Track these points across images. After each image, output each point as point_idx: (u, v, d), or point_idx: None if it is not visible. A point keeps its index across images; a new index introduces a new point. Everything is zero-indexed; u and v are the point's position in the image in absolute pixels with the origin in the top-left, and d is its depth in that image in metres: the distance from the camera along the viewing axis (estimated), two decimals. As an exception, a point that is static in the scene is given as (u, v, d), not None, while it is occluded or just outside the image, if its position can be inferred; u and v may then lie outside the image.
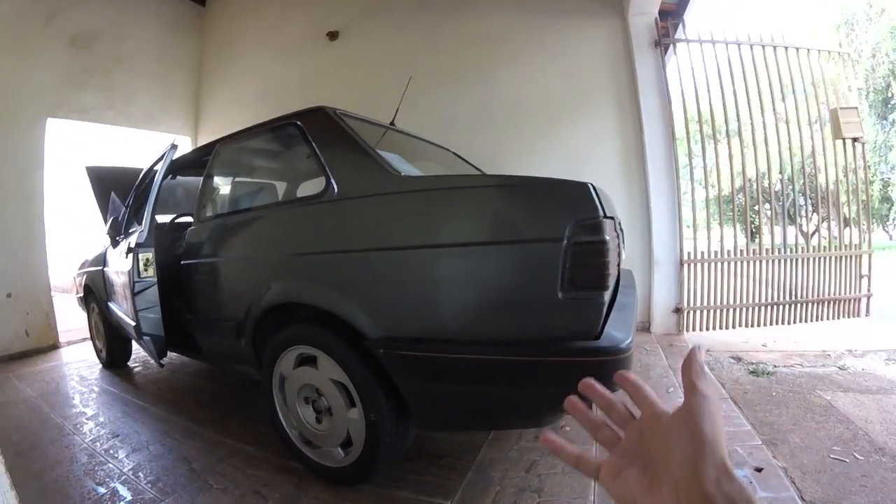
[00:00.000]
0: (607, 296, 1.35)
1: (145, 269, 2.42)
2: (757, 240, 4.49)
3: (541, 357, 1.33)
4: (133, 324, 2.45)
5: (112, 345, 3.52)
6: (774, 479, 1.82)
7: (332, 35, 5.06)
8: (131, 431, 2.35)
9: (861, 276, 4.47)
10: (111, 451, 2.12)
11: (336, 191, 1.74)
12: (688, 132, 4.28)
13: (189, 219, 2.57)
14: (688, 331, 4.24)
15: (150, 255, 2.42)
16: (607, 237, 1.29)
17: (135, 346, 3.41)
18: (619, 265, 1.73)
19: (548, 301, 1.30)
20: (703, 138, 4.32)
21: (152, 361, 2.66)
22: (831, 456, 2.08)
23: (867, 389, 2.89)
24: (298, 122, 2.00)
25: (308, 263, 1.79)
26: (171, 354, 3.07)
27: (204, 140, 5.50)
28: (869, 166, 4.63)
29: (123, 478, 1.88)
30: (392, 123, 2.59)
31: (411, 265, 1.51)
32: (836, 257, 4.43)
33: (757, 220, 4.90)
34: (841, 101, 4.51)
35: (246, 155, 2.56)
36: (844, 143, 4.44)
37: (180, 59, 6.00)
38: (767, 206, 4.55)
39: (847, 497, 1.76)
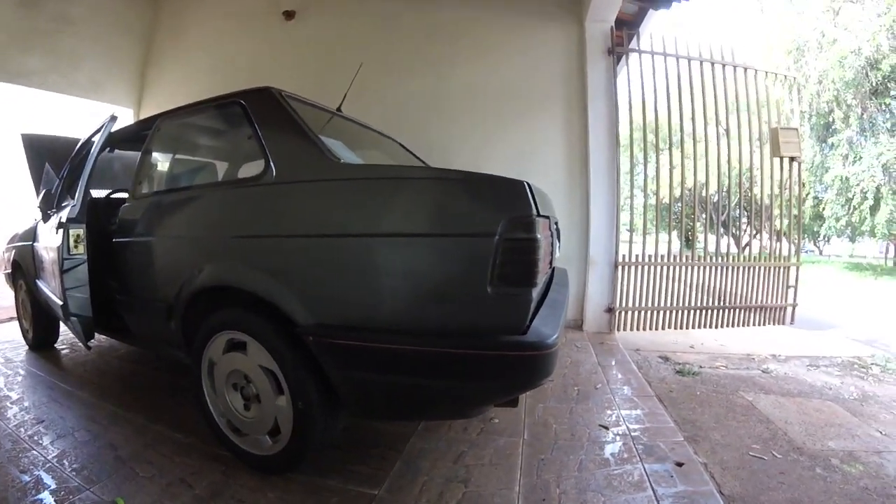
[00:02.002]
0: (536, 292, 1.38)
1: (75, 246, 2.30)
2: (692, 247, 4.70)
3: (468, 350, 1.34)
4: (60, 303, 2.34)
5: (39, 325, 3.34)
6: (695, 474, 1.89)
7: (289, 14, 4.92)
8: (56, 417, 2.24)
9: (788, 287, 4.77)
10: (35, 438, 2.03)
11: (274, 174, 1.70)
12: (631, 140, 4.43)
13: (125, 195, 2.46)
14: (619, 330, 4.40)
15: (81, 232, 2.31)
16: (539, 235, 1.32)
17: (63, 326, 3.25)
18: (551, 263, 1.78)
19: (477, 295, 1.32)
20: (647, 147, 4.49)
21: (80, 344, 2.55)
22: (751, 453, 2.20)
23: (788, 392, 3.08)
24: (242, 102, 1.94)
25: (242, 247, 1.74)
26: (101, 337, 2.96)
27: (147, 114, 5.26)
28: (804, 185, 4.94)
29: (48, 465, 1.80)
30: (339, 110, 2.55)
31: (344, 253, 1.50)
32: (765, 267, 4.70)
33: (693, 228, 5.13)
34: (782, 122, 4.77)
35: (187, 132, 2.46)
36: (782, 161, 4.70)
37: (130, 26, 5.70)
38: (704, 215, 4.76)
39: (764, 493, 1.87)
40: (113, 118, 2.47)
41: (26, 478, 1.72)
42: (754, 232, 5.15)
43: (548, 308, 1.65)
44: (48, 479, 1.70)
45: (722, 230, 4.77)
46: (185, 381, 2.67)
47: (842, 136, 14.03)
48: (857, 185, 13.63)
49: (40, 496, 1.61)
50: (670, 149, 4.48)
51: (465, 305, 1.36)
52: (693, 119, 4.50)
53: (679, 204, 4.76)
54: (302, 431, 1.63)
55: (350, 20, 4.78)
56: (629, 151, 4.43)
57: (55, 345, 3.47)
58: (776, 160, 4.73)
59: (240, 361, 1.75)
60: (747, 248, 5.28)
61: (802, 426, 2.52)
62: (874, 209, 13.59)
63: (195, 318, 1.90)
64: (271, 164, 1.73)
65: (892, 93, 13.37)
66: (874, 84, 12.78)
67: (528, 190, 1.35)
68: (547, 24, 4.45)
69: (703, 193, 4.68)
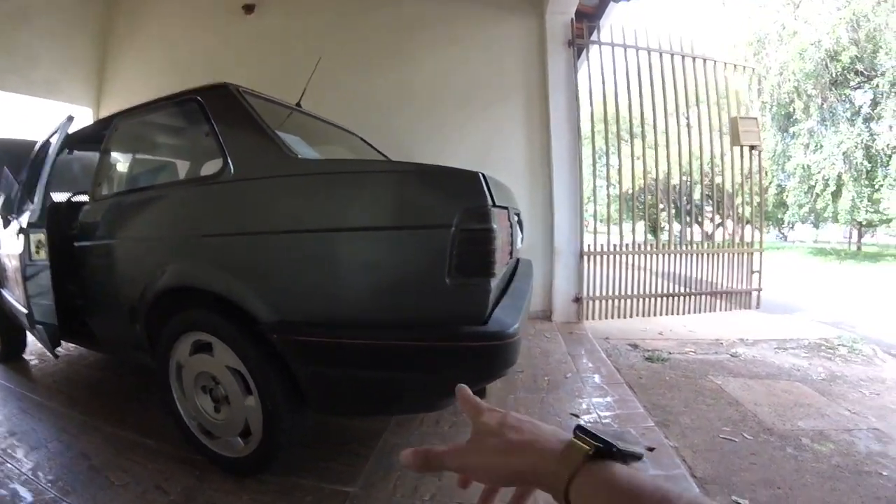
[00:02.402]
0: (494, 282, 1.40)
1: (37, 252, 2.23)
2: (657, 235, 4.80)
3: (428, 342, 1.36)
4: (25, 311, 2.26)
5: (6, 335, 3.22)
6: (666, 458, 1.94)
7: (248, 8, 4.84)
8: (28, 429, 2.18)
9: (752, 272, 4.92)
10: (9, 451, 1.97)
11: (232, 171, 1.69)
12: (593, 132, 4.51)
13: (86, 197, 2.40)
14: (587, 319, 4.48)
15: (43, 237, 2.24)
16: (494, 225, 1.34)
17: (30, 336, 3.15)
18: (511, 254, 1.79)
19: (436, 286, 1.34)
20: (608, 137, 4.57)
21: (48, 353, 2.49)
22: (721, 436, 2.25)
23: (757, 375, 3.16)
24: (199, 99, 1.91)
25: (203, 246, 1.73)
26: (69, 346, 2.88)
27: (107, 113, 5.16)
28: (766, 173, 5.10)
29: (23, 478, 1.76)
30: (299, 105, 2.53)
31: (303, 249, 1.50)
32: (729, 254, 4.85)
33: (658, 217, 5.24)
34: (742, 112, 4.89)
35: (145, 130, 2.42)
36: (742, 150, 4.83)
37: (86, 23, 5.52)
38: (669, 204, 4.87)
39: (736, 474, 1.92)
40: (69, 119, 2.41)
41: (2, 491, 1.69)
42: (719, 220, 5.29)
43: (510, 298, 1.67)
44: (24, 493, 1.67)
45: (687, 219, 4.86)
46: (153, 386, 2.63)
47: (803, 126, 14.46)
48: (819, 172, 14.07)
49: None
50: (632, 140, 4.56)
51: (424, 297, 1.38)
52: (655, 110, 4.60)
53: (644, 194, 4.85)
54: (272, 431, 1.62)
55: (310, 14, 4.73)
56: (591, 142, 4.48)
57: (23, 355, 3.37)
58: (737, 149, 4.86)
59: (207, 363, 1.73)
60: (712, 235, 5.41)
61: (772, 407, 2.59)
62: (836, 195, 14.05)
63: (160, 320, 1.87)
64: (229, 161, 1.71)
65: (852, 83, 13.83)
66: (834, 75, 13.18)
67: (482, 181, 1.37)
68: (508, 16, 4.48)
69: (668, 183, 4.78)
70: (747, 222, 5.05)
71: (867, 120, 13.64)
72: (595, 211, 4.24)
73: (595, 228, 4.58)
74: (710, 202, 4.93)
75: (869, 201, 13.85)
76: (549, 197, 4.37)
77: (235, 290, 1.59)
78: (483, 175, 1.38)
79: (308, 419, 1.75)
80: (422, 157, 4.14)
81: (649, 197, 5.07)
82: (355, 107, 4.24)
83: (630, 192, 5.28)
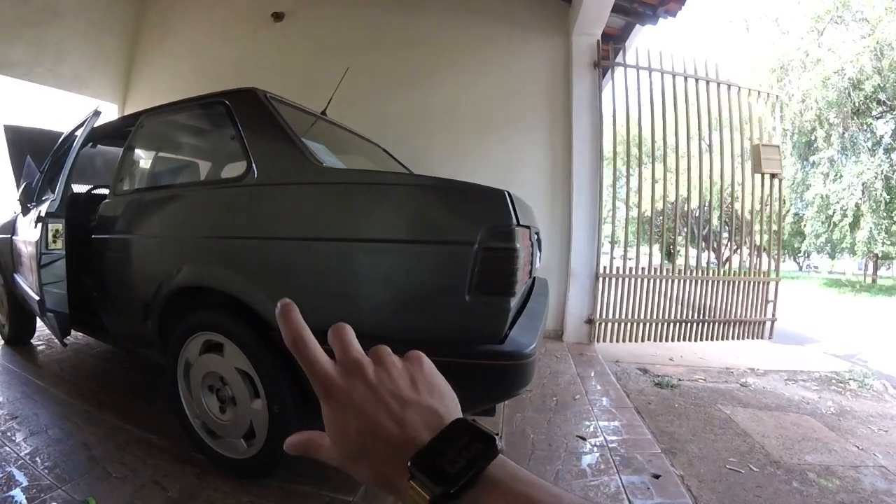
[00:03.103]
0: (514, 302, 1.39)
1: (54, 241, 2.26)
2: (673, 260, 4.75)
3: (444, 358, 1.32)
4: (37, 298, 2.29)
5: (16, 319, 3.27)
6: (672, 486, 1.90)
7: (278, 16, 4.92)
8: (30, 413, 2.20)
9: (767, 302, 4.83)
10: (9, 434, 1.99)
11: (256, 176, 1.70)
12: (615, 154, 4.49)
13: (106, 191, 2.43)
14: (599, 341, 4.42)
15: (60, 227, 2.27)
16: (517, 245, 1.33)
17: (39, 322, 3.19)
18: (531, 273, 1.78)
19: (456, 303, 1.33)
20: (629, 160, 4.54)
21: (56, 340, 2.51)
22: (728, 466, 2.21)
23: (766, 406, 3.11)
24: (227, 102, 1.94)
25: (221, 248, 1.74)
26: (77, 334, 2.90)
27: (132, 110, 5.25)
28: (785, 201, 5.03)
29: (20, 462, 1.77)
30: (324, 113, 2.55)
31: (322, 257, 1.50)
32: (745, 282, 4.77)
33: (675, 241, 5.19)
34: (764, 139, 4.85)
35: (170, 130, 2.45)
36: (763, 178, 4.78)
37: (117, 23, 5.66)
38: (686, 228, 4.82)
39: None
40: (96, 113, 2.44)
41: None
42: (735, 247, 5.23)
43: (527, 317, 1.66)
44: (20, 476, 1.68)
45: (703, 244, 4.81)
46: (160, 383, 2.64)
47: (823, 155, 14.33)
48: (838, 202, 13.91)
49: (11, 493, 1.58)
50: (653, 162, 4.53)
51: (442, 313, 1.37)
52: (676, 134, 4.58)
53: (661, 217, 4.81)
54: (276, 435, 1.60)
55: (338, 25, 4.79)
56: (612, 164, 4.47)
57: (31, 340, 3.41)
58: (757, 176, 4.81)
59: (216, 363, 1.73)
60: (728, 262, 5.35)
61: (780, 440, 2.54)
62: (854, 226, 13.86)
63: (172, 318, 1.87)
64: (253, 165, 1.72)
65: (874, 113, 13.69)
66: (856, 104, 13.07)
67: (508, 199, 1.36)
68: (533, 36, 4.52)
69: (685, 207, 4.75)
70: (764, 250, 4.99)
71: (888, 150, 13.48)
72: (612, 232, 4.23)
73: (612, 250, 4.52)
74: (728, 228, 4.89)
75: (886, 233, 13.66)
76: (567, 218, 4.35)
77: (251, 293, 1.59)
78: (509, 193, 1.38)
79: (314, 427, 1.73)
80: (442, 172, 4.12)
81: (667, 220, 5.02)
82: (379, 119, 4.28)
83: (648, 214, 5.24)
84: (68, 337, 2.43)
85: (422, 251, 1.39)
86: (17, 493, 1.58)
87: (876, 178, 13.09)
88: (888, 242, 13.85)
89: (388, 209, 1.46)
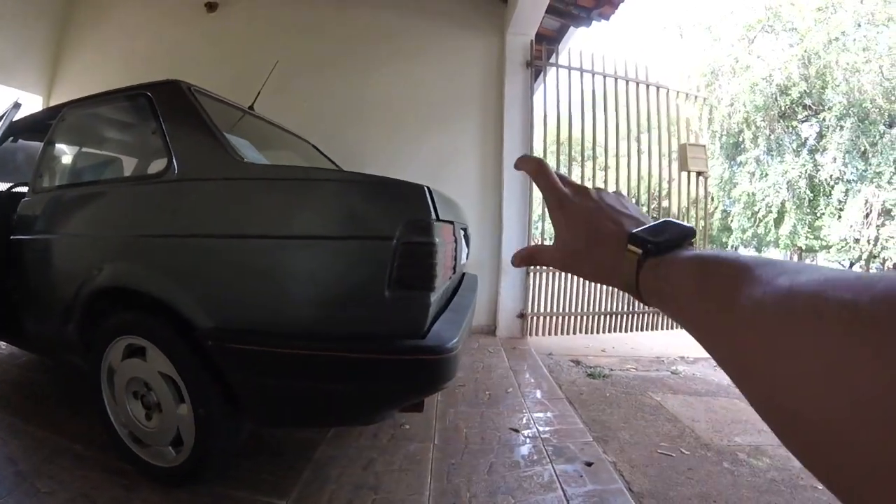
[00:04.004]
0: (434, 296, 1.42)
1: None
2: None
3: (367, 354, 1.36)
4: None
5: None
6: (604, 473, 1.98)
7: (211, 6, 4.74)
8: None
9: (697, 292, 5.09)
10: None
11: (176, 171, 1.66)
12: (545, 151, 4.64)
13: (26, 189, 2.30)
14: (531, 335, 4.53)
15: None
16: (436, 239, 1.36)
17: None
18: (455, 268, 1.82)
19: (376, 298, 1.35)
20: (560, 158, 4.69)
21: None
22: (659, 451, 2.30)
23: (696, 392, 3.26)
24: (149, 94, 1.88)
25: (142, 247, 1.68)
26: (0, 345, 2.73)
27: (57, 101, 4.94)
28: (713, 198, 5.33)
29: None
30: (252, 108, 2.51)
31: (243, 255, 1.48)
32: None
33: None
34: (691, 139, 5.12)
35: (92, 123, 2.34)
36: (689, 176, 5.05)
37: (46, 8, 5.27)
38: None
39: (673, 488, 1.96)
40: (17, 105, 2.32)
41: None
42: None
43: (451, 312, 1.69)
44: None
45: None
46: (84, 391, 2.53)
47: (750, 155, 15.12)
48: (763, 199, 14.75)
49: None
50: (582, 161, 4.68)
51: (363, 308, 1.38)
52: (607, 133, 4.77)
53: None
54: (205, 441, 1.58)
55: (271, 17, 4.68)
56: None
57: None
58: (685, 174, 5.07)
59: (139, 368, 1.68)
60: None
61: (709, 423, 2.67)
62: (778, 222, 14.74)
63: (93, 321, 1.80)
64: (174, 160, 1.68)
65: (800, 116, 14.61)
66: (783, 108, 13.89)
67: (427, 194, 1.39)
68: (469, 33, 4.57)
69: None
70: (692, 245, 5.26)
71: (812, 151, 14.38)
72: (543, 228, 4.35)
73: (541, 244, 4.63)
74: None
75: (810, 228, 14.60)
76: (498, 213, 4.43)
77: (172, 293, 1.55)
78: (428, 189, 1.41)
79: (242, 429, 1.71)
80: (374, 168, 4.10)
81: None
82: (310, 114, 4.22)
83: None
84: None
85: (341, 247, 1.39)
86: None
87: (800, 176, 13.94)
88: (811, 237, 14.83)
89: (307, 205, 1.46)
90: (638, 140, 4.92)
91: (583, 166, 4.74)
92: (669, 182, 5.08)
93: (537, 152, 4.51)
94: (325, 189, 1.49)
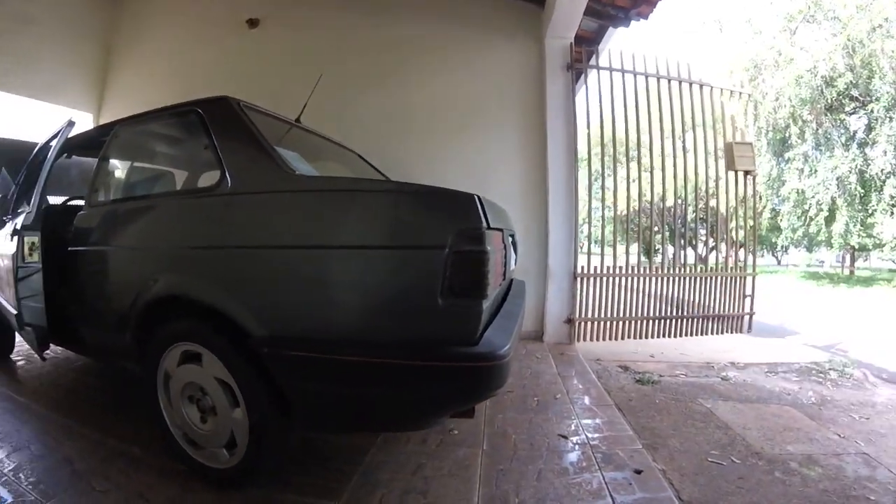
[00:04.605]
0: (486, 304, 1.40)
1: (30, 254, 2.25)
2: (650, 259, 4.81)
3: (419, 361, 1.36)
4: (15, 312, 2.27)
5: (-5, 334, 3.20)
6: (653, 481, 1.92)
7: (252, 22, 4.89)
8: (12, 430, 2.17)
9: (745, 296, 4.92)
10: None
11: (230, 185, 1.70)
12: (590, 154, 4.55)
13: (82, 202, 2.41)
14: (579, 341, 4.46)
15: (36, 239, 2.26)
16: (488, 248, 1.35)
17: (19, 337, 3.13)
18: (504, 275, 1.80)
19: (429, 307, 1.34)
20: (604, 160, 4.60)
21: (35, 355, 2.48)
22: (709, 459, 2.23)
23: (747, 399, 3.15)
24: (199, 110, 1.93)
25: (197, 257, 1.73)
26: (56, 348, 2.86)
27: (107, 119, 5.10)
28: (761, 197, 5.13)
29: (4, 479, 1.74)
30: (298, 120, 2.55)
31: (297, 265, 1.51)
32: (723, 277, 4.86)
33: (652, 238, 5.25)
34: (737, 137, 4.95)
35: (144, 139, 2.43)
36: (737, 175, 4.89)
37: (90, 29, 5.58)
38: (663, 226, 4.89)
39: (723, 498, 1.90)
40: (70, 123, 2.43)
41: None
42: (712, 244, 5.35)
43: (502, 319, 1.68)
44: (4, 493, 1.66)
45: (681, 241, 4.88)
46: (140, 395, 2.62)
47: (797, 151, 14.58)
48: (813, 197, 14.17)
49: None
50: (628, 162, 4.58)
51: (416, 317, 1.38)
52: (651, 133, 4.66)
53: (639, 216, 4.88)
54: (258, 443, 1.61)
55: (313, 31, 4.77)
56: (588, 164, 4.53)
57: (11, 356, 3.34)
58: (732, 173, 4.91)
59: (195, 373, 1.73)
60: (706, 259, 5.45)
61: (761, 431, 2.58)
62: (829, 220, 14.14)
63: (150, 329, 1.86)
64: (226, 174, 1.72)
65: (847, 109, 13.99)
66: (829, 101, 13.33)
67: (477, 203, 1.38)
68: (507, 40, 4.56)
69: (662, 206, 4.81)
70: (741, 246, 5.09)
71: (861, 145, 13.77)
72: (590, 232, 4.29)
73: (589, 250, 4.57)
74: (705, 225, 4.98)
75: (862, 226, 13.95)
76: (544, 219, 4.39)
77: (228, 302, 1.59)
78: (478, 197, 1.40)
79: (295, 434, 1.73)
80: (417, 178, 4.16)
81: (644, 219, 5.09)
82: (353, 125, 4.27)
83: (625, 214, 5.31)
84: (47, 352, 2.40)
85: (394, 256, 1.40)
86: None
87: (850, 172, 13.36)
88: (864, 235, 14.17)
89: (360, 215, 1.47)
90: (683, 139, 4.80)
91: (628, 168, 4.63)
92: (717, 181, 4.92)
93: (581, 155, 4.45)
94: (375, 199, 1.51)
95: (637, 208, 4.61)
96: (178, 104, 2.05)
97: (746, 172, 4.90)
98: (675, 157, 4.77)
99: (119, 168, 2.39)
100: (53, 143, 2.43)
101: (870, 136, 13.37)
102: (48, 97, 5.24)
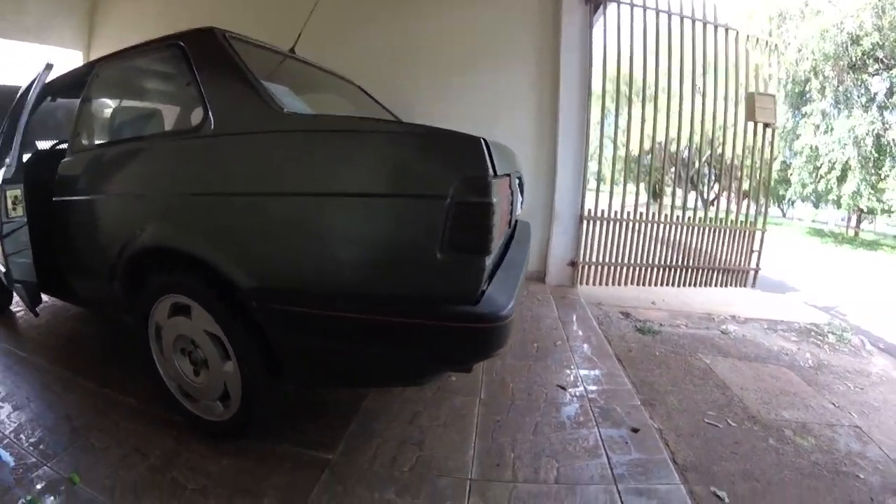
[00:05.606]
0: (489, 260, 1.32)
1: (13, 209, 2.16)
2: (658, 202, 4.73)
3: (416, 319, 1.29)
4: (3, 270, 2.22)
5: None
6: (650, 441, 1.92)
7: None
8: (13, 387, 2.15)
9: (752, 251, 4.86)
10: None
11: (213, 125, 1.57)
12: (604, 91, 4.37)
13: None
14: (581, 284, 4.44)
15: (19, 193, 2.16)
16: (494, 200, 1.24)
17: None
18: (511, 222, 1.72)
19: (427, 261, 1.25)
20: (619, 99, 4.41)
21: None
22: (706, 420, 2.24)
23: (745, 356, 3.16)
24: (182, 44, 1.78)
25: (181, 205, 1.64)
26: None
27: (97, 56, 4.92)
28: (773, 148, 4.96)
29: (6, 441, 1.73)
30: (292, 51, 2.37)
31: (285, 213, 1.41)
32: (731, 231, 4.77)
33: (662, 180, 5.12)
34: (760, 87, 4.74)
35: (126, 78, 2.27)
36: (756, 127, 4.70)
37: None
38: (673, 169, 4.76)
39: (717, 463, 1.91)
40: (48, 67, 2.28)
41: None
42: (721, 190, 5.22)
43: (505, 270, 1.60)
44: (7, 457, 1.64)
45: (689, 185, 4.75)
46: (135, 343, 2.63)
47: (816, 107, 14.23)
48: (827, 154, 13.92)
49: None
50: (643, 102, 4.40)
51: (413, 271, 1.29)
52: (669, 74, 4.44)
53: (649, 156, 4.73)
54: (251, 398, 1.59)
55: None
56: (601, 101, 4.36)
57: (10, 307, 3.32)
58: (749, 124, 4.73)
59: (185, 326, 1.68)
60: (714, 205, 5.34)
61: (758, 393, 2.59)
62: (841, 180, 13.94)
63: (139, 279, 1.79)
64: (210, 113, 1.60)
65: (870, 69, 13.50)
66: (853, 59, 12.87)
67: (483, 147, 1.26)
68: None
69: (674, 148, 4.66)
70: (746, 196, 4.97)
71: (882, 108, 13.41)
72: (598, 170, 4.20)
73: (597, 187, 4.46)
74: (715, 172, 4.86)
75: (872, 189, 13.76)
76: (553, 159, 4.25)
77: (211, 252, 1.51)
78: (485, 141, 1.27)
79: (288, 386, 1.71)
80: (426, 113, 3.96)
81: (654, 161, 4.93)
82: (355, 60, 3.95)
83: (636, 154, 5.16)
84: (44, 300, 2.36)
85: (390, 205, 1.30)
86: (6, 475, 1.55)
87: (867, 134, 13.06)
88: (873, 198, 13.97)
89: (352, 159, 1.35)
90: (703, 83, 4.58)
91: (643, 107, 4.46)
92: (735, 128, 4.74)
93: (595, 92, 4.26)
94: (371, 141, 1.37)
95: (650, 149, 4.44)
96: (160, 38, 1.90)
97: (766, 125, 4.72)
98: (693, 101, 4.57)
99: (101, 111, 2.24)
100: (32, 89, 2.30)
101: (890, 100, 13.01)
102: (37, 39, 5.02)
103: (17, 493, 1.46)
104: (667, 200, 4.82)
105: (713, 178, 5.32)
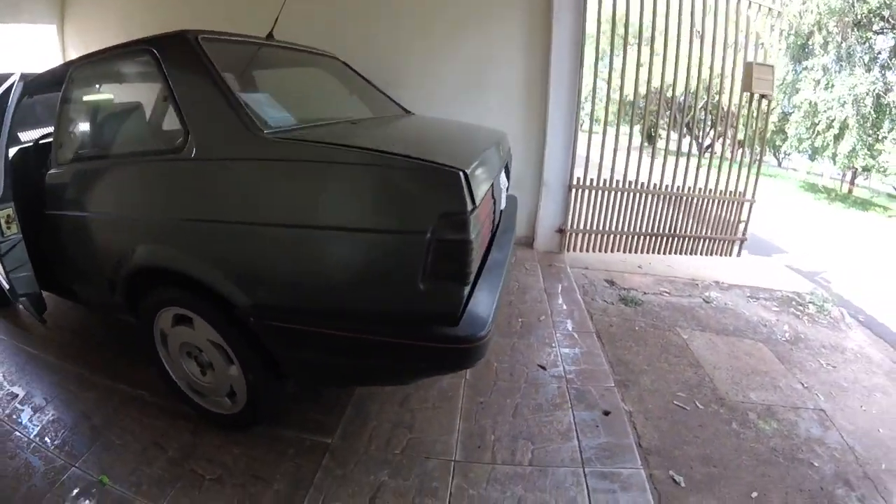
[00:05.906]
0: (467, 289, 1.40)
1: (8, 227, 2.08)
2: (654, 143, 4.56)
3: (400, 339, 1.39)
4: (7, 287, 2.19)
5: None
6: (619, 424, 2.05)
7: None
8: (28, 388, 2.18)
9: (740, 222, 4.87)
10: (14, 417, 1.98)
11: (194, 151, 1.54)
12: (598, 32, 4.26)
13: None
14: (569, 251, 4.47)
15: (11, 211, 2.07)
16: (472, 236, 1.28)
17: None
18: (494, 221, 1.79)
19: (409, 287, 1.32)
20: (613, 40, 4.23)
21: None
22: (675, 402, 2.35)
23: (724, 330, 3.22)
24: (154, 50, 1.68)
25: (171, 227, 1.64)
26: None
27: (71, 29, 4.53)
28: (771, 101, 4.80)
29: (32, 446, 1.80)
30: (270, 36, 2.25)
31: (273, 241, 1.45)
32: (720, 201, 4.76)
33: (657, 124, 5.06)
34: (759, 56, 4.63)
35: (102, 85, 2.17)
36: (751, 97, 4.62)
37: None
38: (668, 113, 4.73)
39: (679, 447, 2.03)
40: (22, 78, 2.17)
41: (16, 462, 1.73)
42: (717, 136, 5.12)
43: (488, 275, 1.64)
44: (36, 461, 1.72)
45: (685, 130, 4.68)
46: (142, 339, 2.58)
47: (817, 62, 13.89)
48: (825, 111, 13.70)
49: (34, 481, 1.63)
50: (639, 45, 4.28)
51: (397, 296, 1.37)
52: (668, 18, 4.28)
53: (645, 101, 4.56)
54: (256, 396, 1.73)
55: None
56: (595, 43, 4.14)
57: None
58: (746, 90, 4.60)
59: (189, 335, 1.77)
60: (708, 151, 5.27)
61: (730, 372, 2.66)
62: (838, 138, 13.76)
63: (141, 291, 1.82)
64: (189, 136, 1.56)
65: (875, 27, 13.11)
66: (858, 16, 12.47)
67: (463, 181, 1.28)
68: None
69: (670, 94, 4.54)
70: (741, 145, 4.90)
71: (884, 68, 13.10)
72: (591, 111, 4.03)
73: (590, 129, 4.31)
74: (711, 118, 4.78)
75: (869, 149, 13.62)
76: (542, 125, 4.09)
77: (207, 274, 1.55)
78: (464, 174, 1.28)
79: (288, 390, 1.87)
80: (411, 75, 3.86)
81: (649, 105, 4.72)
82: (337, 20, 3.89)
83: (630, 99, 4.96)
84: (45, 312, 2.32)
85: (373, 238, 1.34)
86: (39, 481, 1.62)
87: (868, 94, 12.81)
88: (868, 157, 13.84)
89: (333, 192, 1.38)
90: (702, 29, 4.38)
91: (639, 52, 4.27)
92: (733, 74, 4.60)
93: (589, 34, 4.00)
94: (351, 175, 1.37)
95: (645, 93, 4.26)
96: (131, 42, 1.80)
97: (762, 96, 4.62)
98: (692, 46, 4.43)
99: (81, 120, 2.14)
100: (9, 103, 2.14)
101: (893, 61, 12.68)
102: (9, 18, 4.80)
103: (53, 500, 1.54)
104: (661, 144, 4.65)
105: (709, 123, 5.25)
